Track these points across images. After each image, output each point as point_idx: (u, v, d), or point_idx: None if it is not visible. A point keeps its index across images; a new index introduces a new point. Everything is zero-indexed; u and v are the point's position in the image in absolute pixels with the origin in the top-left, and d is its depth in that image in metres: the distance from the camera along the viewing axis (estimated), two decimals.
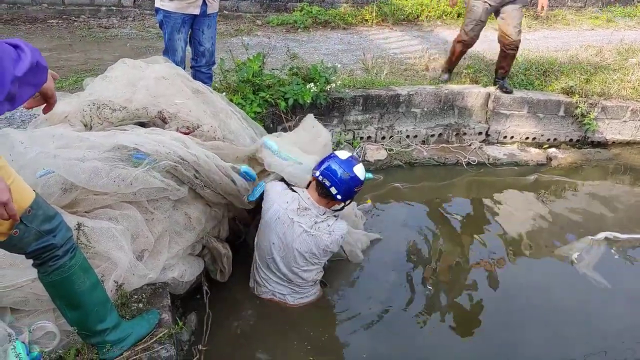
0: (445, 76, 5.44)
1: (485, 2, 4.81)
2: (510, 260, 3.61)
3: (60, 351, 2.11)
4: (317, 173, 2.84)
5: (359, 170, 2.86)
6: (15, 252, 1.78)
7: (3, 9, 6.76)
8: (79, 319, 1.99)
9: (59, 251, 1.80)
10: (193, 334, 2.76)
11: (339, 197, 2.82)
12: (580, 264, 3.52)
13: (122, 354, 2.11)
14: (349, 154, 2.90)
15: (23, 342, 2.02)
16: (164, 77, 3.01)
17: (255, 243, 3.03)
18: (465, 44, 5.13)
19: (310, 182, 2.96)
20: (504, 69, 5.19)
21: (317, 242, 2.84)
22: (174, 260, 2.66)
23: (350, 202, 3.01)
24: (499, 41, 5.02)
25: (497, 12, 4.89)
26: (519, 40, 4.95)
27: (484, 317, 3.11)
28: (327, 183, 2.80)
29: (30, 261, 1.83)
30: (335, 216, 2.92)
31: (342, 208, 2.98)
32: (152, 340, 2.22)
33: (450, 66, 5.47)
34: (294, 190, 2.93)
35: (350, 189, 2.84)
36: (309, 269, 2.93)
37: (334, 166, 2.81)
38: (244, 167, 2.94)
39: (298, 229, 2.83)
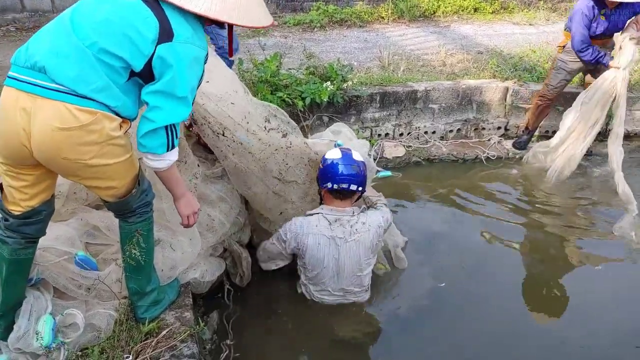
0: (525, 137, 4.99)
1: (578, 60, 4.40)
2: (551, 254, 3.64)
3: (86, 349, 2.17)
4: (330, 185, 2.81)
5: (358, 155, 2.89)
6: (120, 210, 2.09)
7: (25, 17, 6.93)
8: (137, 274, 2.25)
9: (149, 207, 2.16)
10: (215, 333, 2.80)
11: (360, 189, 2.86)
12: None
13: (158, 316, 2.38)
14: (337, 149, 2.92)
15: (54, 319, 2.13)
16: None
17: (303, 279, 2.97)
18: (548, 98, 4.70)
19: (321, 198, 2.96)
20: None
21: (363, 243, 2.83)
22: (195, 259, 2.70)
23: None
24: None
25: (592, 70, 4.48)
26: None
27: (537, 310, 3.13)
28: (345, 186, 2.80)
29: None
30: (362, 211, 2.92)
31: (360, 196, 2.99)
32: (175, 339, 2.27)
33: (531, 127, 4.95)
34: (312, 214, 2.90)
35: (364, 176, 2.88)
36: (365, 273, 2.91)
37: (340, 169, 2.79)
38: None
39: (340, 242, 2.81)
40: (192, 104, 1.96)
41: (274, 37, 6.72)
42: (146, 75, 1.83)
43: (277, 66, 4.43)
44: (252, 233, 3.25)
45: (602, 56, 4.26)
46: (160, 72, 1.81)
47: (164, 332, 2.30)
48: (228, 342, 2.69)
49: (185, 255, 2.53)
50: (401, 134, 5.09)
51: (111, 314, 2.29)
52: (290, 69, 4.81)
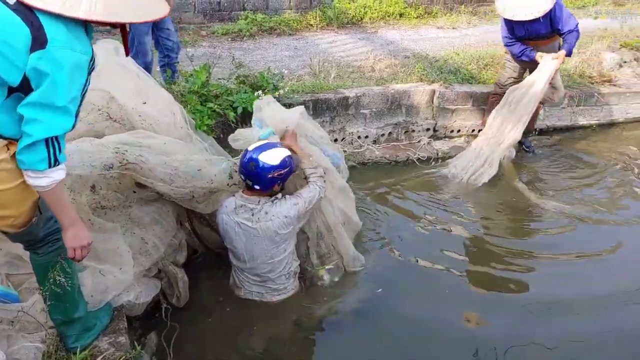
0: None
1: (517, 65, 4.91)
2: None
3: None
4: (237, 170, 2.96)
5: (268, 156, 2.81)
6: (25, 241, 2.00)
7: None
8: (62, 303, 2.15)
9: (59, 234, 1.99)
10: (154, 354, 2.70)
11: (257, 187, 2.88)
12: None
13: (90, 344, 2.29)
14: (261, 142, 2.90)
15: None
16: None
17: (231, 263, 3.12)
18: (498, 95, 5.02)
19: None
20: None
21: (264, 230, 2.89)
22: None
23: (282, 184, 3.00)
24: None
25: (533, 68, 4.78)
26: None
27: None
28: (243, 177, 2.90)
29: None
30: (272, 201, 2.93)
31: (281, 190, 3.03)
32: None
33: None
34: (230, 197, 3.02)
35: (263, 177, 2.83)
36: (277, 259, 2.96)
37: (243, 160, 2.87)
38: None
39: (245, 227, 2.91)
40: (76, 116, 1.81)
41: (203, 47, 6.62)
42: (27, 89, 1.69)
43: (206, 77, 4.37)
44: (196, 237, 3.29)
45: (528, 50, 4.67)
46: (37, 83, 1.67)
47: None
48: None
49: (117, 279, 2.44)
50: (336, 140, 5.13)
51: (38, 346, 2.17)
52: (220, 79, 4.75)
